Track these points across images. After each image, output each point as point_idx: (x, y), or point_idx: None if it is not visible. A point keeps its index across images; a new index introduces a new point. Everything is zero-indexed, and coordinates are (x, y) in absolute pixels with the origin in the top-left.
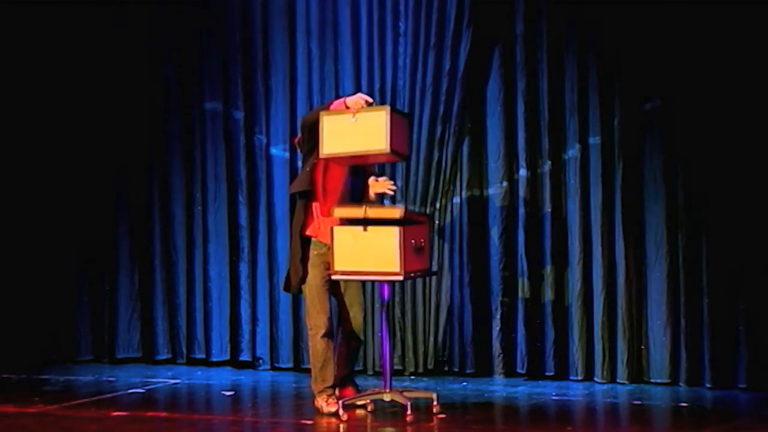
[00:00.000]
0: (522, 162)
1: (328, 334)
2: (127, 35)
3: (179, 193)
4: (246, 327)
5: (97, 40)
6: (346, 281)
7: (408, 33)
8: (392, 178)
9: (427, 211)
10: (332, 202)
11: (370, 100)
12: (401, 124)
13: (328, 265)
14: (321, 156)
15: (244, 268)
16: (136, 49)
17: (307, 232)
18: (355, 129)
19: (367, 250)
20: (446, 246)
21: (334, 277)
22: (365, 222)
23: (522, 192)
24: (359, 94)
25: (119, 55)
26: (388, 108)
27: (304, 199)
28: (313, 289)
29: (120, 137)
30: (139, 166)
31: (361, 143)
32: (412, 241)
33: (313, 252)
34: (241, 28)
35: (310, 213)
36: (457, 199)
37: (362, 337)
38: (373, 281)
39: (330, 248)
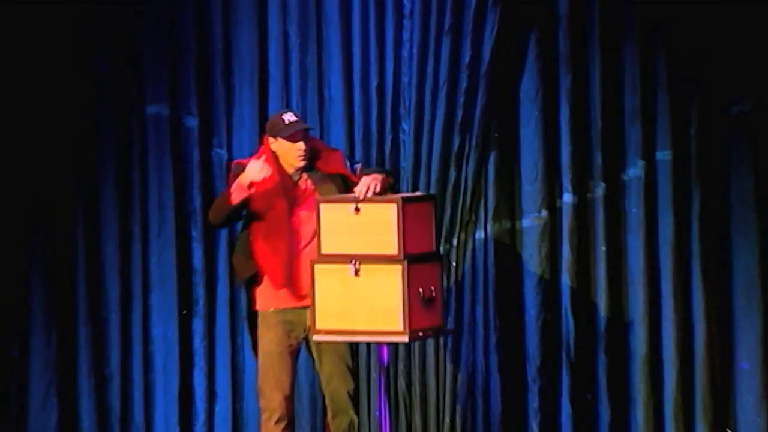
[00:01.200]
0: (566, 185)
1: (284, 420)
2: (49, 18)
3: (112, 227)
4: (201, 405)
5: (8, 21)
6: (318, 348)
7: (415, 13)
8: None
9: (441, 249)
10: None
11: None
12: (420, 213)
13: (292, 327)
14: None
15: (198, 326)
16: (61, 37)
17: (257, 307)
18: (359, 225)
19: (359, 300)
20: (466, 296)
21: (316, 338)
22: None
23: (567, 224)
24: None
25: (38, 44)
26: (399, 201)
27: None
28: (266, 358)
29: (35, 153)
30: (59, 191)
31: (366, 244)
32: (420, 289)
33: (270, 320)
34: (196, 10)
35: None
36: (480, 234)
37: (353, 415)
38: (368, 343)
39: (310, 300)
